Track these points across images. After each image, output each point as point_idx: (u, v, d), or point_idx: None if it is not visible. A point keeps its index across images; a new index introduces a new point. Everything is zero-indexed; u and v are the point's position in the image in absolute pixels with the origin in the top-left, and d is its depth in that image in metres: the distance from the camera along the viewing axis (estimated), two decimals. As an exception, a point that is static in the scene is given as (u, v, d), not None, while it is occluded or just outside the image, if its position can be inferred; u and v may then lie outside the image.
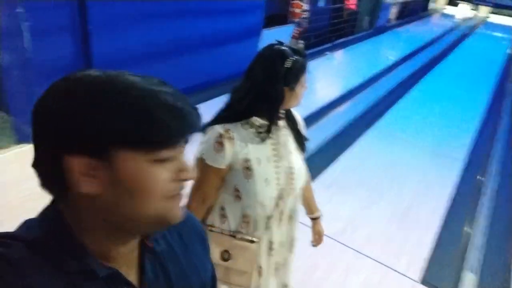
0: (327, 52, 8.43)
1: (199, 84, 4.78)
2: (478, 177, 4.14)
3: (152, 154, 0.54)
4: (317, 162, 3.83)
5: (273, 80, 1.28)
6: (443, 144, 4.81)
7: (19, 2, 2.93)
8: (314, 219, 1.75)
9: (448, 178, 3.95)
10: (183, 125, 0.56)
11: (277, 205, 1.39)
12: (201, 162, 1.31)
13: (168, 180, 0.57)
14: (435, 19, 16.92)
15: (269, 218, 1.39)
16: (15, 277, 0.51)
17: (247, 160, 1.31)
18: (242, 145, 1.31)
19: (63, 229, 0.56)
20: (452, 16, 17.47)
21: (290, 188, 1.42)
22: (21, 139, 3.47)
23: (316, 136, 4.42)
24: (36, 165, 0.56)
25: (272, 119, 1.33)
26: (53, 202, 0.59)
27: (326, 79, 7.20)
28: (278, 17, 7.51)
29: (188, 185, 0.99)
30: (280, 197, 1.40)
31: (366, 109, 5.54)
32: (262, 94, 1.29)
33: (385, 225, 3.08)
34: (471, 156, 4.57)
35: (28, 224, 0.58)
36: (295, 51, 1.31)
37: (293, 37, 7.72)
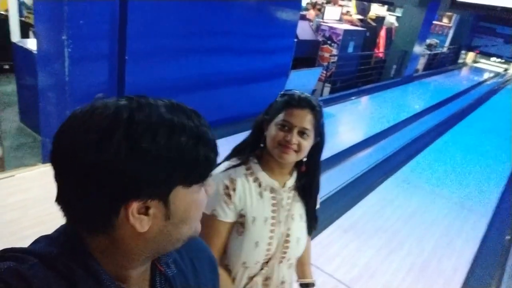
0: (353, 97, 8.49)
1: (224, 118, 4.88)
2: (503, 234, 3.97)
3: (198, 186, 0.59)
4: (336, 205, 3.77)
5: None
6: (468, 197, 4.67)
7: (65, 30, 3.11)
8: (305, 286, 1.46)
9: (473, 233, 3.80)
10: (217, 155, 0.61)
11: (261, 269, 1.28)
12: (211, 219, 1.20)
13: (205, 202, 0.62)
14: (464, 72, 16.87)
15: (250, 278, 1.28)
16: None
17: (242, 216, 1.22)
18: (242, 198, 1.22)
19: (81, 248, 0.56)
20: (482, 71, 17.39)
21: (281, 256, 1.29)
22: (47, 159, 3.56)
23: (337, 178, 4.38)
24: (71, 202, 0.54)
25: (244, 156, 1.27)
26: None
27: (350, 123, 7.22)
28: (307, 60, 7.67)
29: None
30: (267, 263, 1.28)
31: (389, 156, 5.47)
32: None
33: (403, 276, 2.96)
34: (498, 212, 4.40)
35: (43, 241, 0.57)
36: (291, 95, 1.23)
37: (320, 79, 7.86)
